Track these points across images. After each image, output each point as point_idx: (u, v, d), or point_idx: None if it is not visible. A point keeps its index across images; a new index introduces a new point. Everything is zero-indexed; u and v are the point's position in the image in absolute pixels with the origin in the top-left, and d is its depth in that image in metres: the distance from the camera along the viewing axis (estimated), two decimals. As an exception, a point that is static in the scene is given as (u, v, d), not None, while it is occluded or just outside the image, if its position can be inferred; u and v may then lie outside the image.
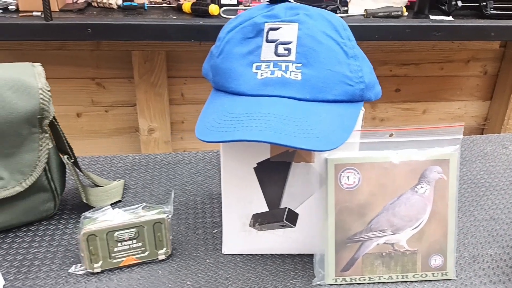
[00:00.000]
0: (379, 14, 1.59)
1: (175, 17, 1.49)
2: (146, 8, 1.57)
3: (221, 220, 0.68)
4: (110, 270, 0.58)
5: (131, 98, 1.80)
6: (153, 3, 1.65)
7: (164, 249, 0.60)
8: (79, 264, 0.58)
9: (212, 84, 0.58)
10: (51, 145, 0.64)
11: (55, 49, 1.69)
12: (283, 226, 0.60)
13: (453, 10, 1.65)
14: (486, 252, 0.63)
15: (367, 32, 1.52)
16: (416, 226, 0.56)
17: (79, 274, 0.58)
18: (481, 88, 2.08)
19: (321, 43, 0.52)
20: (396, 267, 0.57)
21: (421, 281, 0.58)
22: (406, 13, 1.64)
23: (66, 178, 0.70)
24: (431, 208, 0.56)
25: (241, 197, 0.59)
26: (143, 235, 0.58)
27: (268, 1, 0.56)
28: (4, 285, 0.56)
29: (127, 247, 0.58)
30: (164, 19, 1.46)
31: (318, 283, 0.57)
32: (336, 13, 1.57)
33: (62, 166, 0.67)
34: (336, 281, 0.57)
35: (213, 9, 1.46)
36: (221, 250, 0.62)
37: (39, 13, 1.41)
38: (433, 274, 0.58)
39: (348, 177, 0.55)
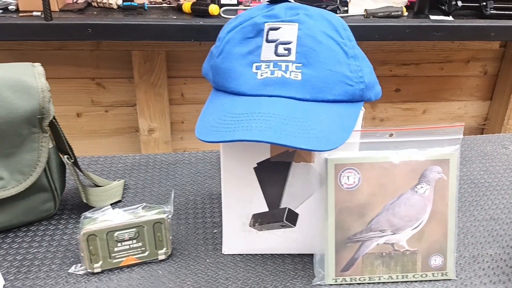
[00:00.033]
0: (379, 14, 1.59)
1: (175, 17, 1.49)
2: (146, 8, 1.57)
3: (221, 220, 0.68)
4: (110, 270, 0.58)
5: (131, 98, 1.80)
6: (153, 3, 1.65)
7: (164, 249, 0.60)
8: (79, 264, 0.58)
9: (212, 84, 0.58)
10: (51, 145, 0.64)
11: (55, 49, 1.69)
12: (283, 226, 0.60)
13: (453, 10, 1.65)
14: (486, 252, 0.63)
15: (367, 32, 1.52)
16: (416, 226, 0.56)
17: (79, 274, 0.58)
18: (481, 88, 2.08)
19: (321, 43, 0.52)
20: (396, 267, 0.57)
21: (421, 281, 0.58)
22: (406, 13, 1.64)
23: (66, 178, 0.70)
24: (431, 208, 0.56)
25: (241, 197, 0.59)
26: (143, 235, 0.58)
27: (268, 1, 0.56)
28: (4, 285, 0.56)
29: (127, 247, 0.58)
30: (164, 19, 1.46)
31: (318, 283, 0.57)
32: (336, 13, 1.57)
33: (62, 166, 0.67)
34: (336, 281, 0.57)
35: (213, 9, 1.46)
36: (221, 250, 0.62)
37: (39, 13, 1.41)
38: (433, 274, 0.58)
39: (348, 177, 0.55)
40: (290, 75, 0.52)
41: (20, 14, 1.42)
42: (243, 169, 0.57)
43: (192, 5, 1.49)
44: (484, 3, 1.66)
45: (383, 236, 0.56)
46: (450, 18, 1.63)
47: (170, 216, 0.59)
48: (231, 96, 0.54)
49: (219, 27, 0.58)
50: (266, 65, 0.53)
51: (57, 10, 1.49)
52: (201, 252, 0.62)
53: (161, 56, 1.70)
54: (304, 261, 0.61)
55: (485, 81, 2.07)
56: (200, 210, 0.71)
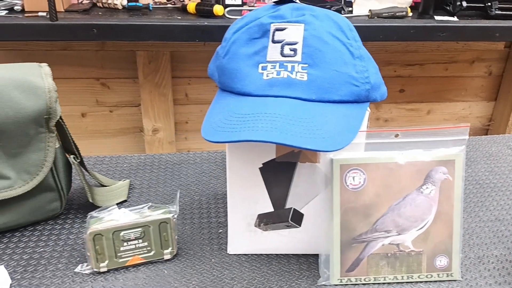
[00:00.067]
0: (384, 14, 1.59)
1: (179, 17, 1.50)
2: (151, 8, 1.57)
3: (226, 220, 0.68)
4: (116, 269, 0.59)
5: (135, 98, 1.81)
6: (157, 3, 1.65)
7: (170, 248, 0.60)
8: (85, 264, 0.59)
9: (218, 84, 0.58)
10: (57, 145, 0.64)
11: (60, 49, 1.69)
12: (288, 227, 0.60)
13: (458, 10, 1.65)
14: (491, 253, 0.63)
15: (372, 33, 1.52)
16: (421, 227, 0.57)
17: (85, 274, 0.58)
18: (485, 89, 2.07)
19: (327, 43, 0.52)
20: (401, 268, 0.57)
21: (426, 281, 0.58)
22: (410, 14, 1.64)
23: (72, 178, 0.71)
24: (437, 209, 0.56)
25: (247, 197, 0.59)
26: (149, 235, 0.58)
27: (274, 2, 0.56)
28: (11, 284, 0.56)
29: (133, 246, 0.58)
30: (168, 19, 1.47)
31: (323, 283, 0.57)
32: (341, 13, 1.57)
33: (68, 166, 0.68)
34: (341, 282, 0.57)
35: (218, 9, 1.46)
36: (226, 250, 0.63)
37: (44, 14, 1.42)
38: (438, 274, 0.58)
39: (353, 178, 0.55)
40: (296, 75, 0.52)
41: (26, 15, 1.43)
42: (249, 169, 0.57)
43: (196, 5, 1.50)
44: (489, 4, 1.66)
45: (388, 236, 0.56)
46: (455, 18, 1.62)
47: (175, 216, 0.59)
48: (237, 97, 0.54)
49: (224, 28, 0.58)
50: (272, 65, 0.53)
51: (62, 10, 1.50)
52: (207, 252, 0.62)
53: (166, 57, 1.71)
54: (309, 261, 0.61)
55: (489, 81, 2.06)
56: (205, 210, 0.71)
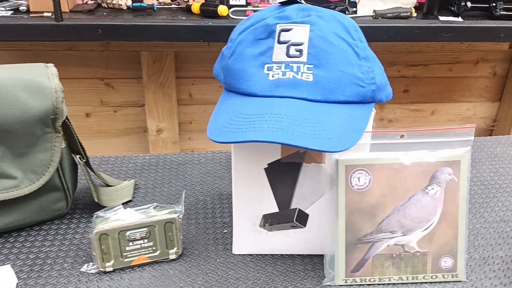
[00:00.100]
0: (388, 15, 1.59)
1: (184, 18, 1.50)
2: (155, 9, 1.58)
3: (231, 220, 0.69)
4: (122, 269, 0.59)
5: (139, 98, 1.81)
6: (162, 4, 1.66)
7: (175, 248, 0.60)
8: (91, 263, 0.59)
9: (224, 85, 0.58)
10: (63, 145, 0.65)
11: (65, 49, 1.70)
12: (293, 227, 0.60)
13: (462, 11, 1.65)
14: (496, 254, 0.63)
15: (376, 33, 1.51)
16: (426, 228, 0.57)
17: (91, 273, 0.58)
18: (490, 89, 2.07)
19: (332, 44, 0.52)
20: (406, 269, 0.57)
21: (431, 282, 0.58)
22: (415, 14, 1.64)
23: (78, 178, 0.71)
24: (442, 210, 0.56)
25: (252, 198, 0.59)
26: (154, 235, 0.58)
27: (280, 3, 0.57)
28: (17, 284, 0.56)
29: (139, 246, 0.58)
30: (173, 20, 1.47)
31: (328, 283, 0.57)
32: (345, 14, 1.57)
33: (74, 166, 0.68)
34: (346, 282, 0.57)
35: (222, 10, 1.46)
36: (231, 250, 0.63)
37: (49, 14, 1.42)
38: (443, 275, 0.58)
39: (358, 178, 0.55)
40: (301, 76, 0.52)
41: (31, 15, 1.44)
42: (254, 169, 0.57)
43: (201, 6, 1.50)
44: (494, 4, 1.65)
45: (393, 237, 0.56)
46: (459, 19, 1.62)
47: (181, 216, 0.59)
48: (242, 97, 0.54)
49: (228, 28, 0.59)
50: (277, 66, 0.53)
51: (67, 11, 1.50)
52: (212, 252, 0.63)
53: (170, 57, 1.71)
54: (314, 262, 0.61)
55: (494, 82, 2.06)
56: (210, 210, 0.71)
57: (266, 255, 0.62)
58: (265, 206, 0.59)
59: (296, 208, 0.59)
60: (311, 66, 0.52)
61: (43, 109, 0.60)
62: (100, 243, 0.56)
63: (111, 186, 0.73)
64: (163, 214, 0.58)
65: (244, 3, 1.57)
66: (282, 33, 0.53)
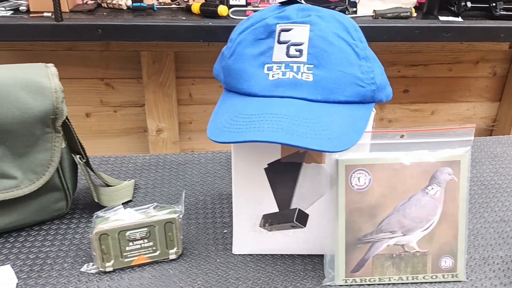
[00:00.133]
0: (388, 15, 1.59)
1: (184, 18, 1.50)
2: (155, 9, 1.58)
3: (231, 220, 0.69)
4: (122, 269, 0.59)
5: (139, 98, 1.81)
6: (162, 4, 1.66)
7: (175, 248, 0.60)
8: (91, 263, 0.59)
9: (224, 85, 0.58)
10: (63, 145, 0.65)
11: (65, 49, 1.70)
12: (293, 227, 0.60)
13: (462, 11, 1.65)
14: (496, 254, 0.63)
15: (376, 33, 1.51)
16: (426, 228, 0.57)
17: (91, 273, 0.58)
18: (490, 89, 2.07)
19: (332, 44, 0.52)
20: (406, 269, 0.57)
21: (431, 282, 0.58)
22: (415, 14, 1.64)
23: (78, 178, 0.71)
24: (442, 210, 0.56)
25: (252, 198, 0.59)
26: (154, 235, 0.58)
27: (280, 3, 0.57)
28: (17, 284, 0.56)
29: (139, 246, 0.58)
30: (173, 20, 1.47)
31: (328, 283, 0.57)
32: (345, 14, 1.57)
33: (74, 166, 0.68)
34: (346, 282, 0.57)
35: (222, 10, 1.46)
36: (231, 250, 0.63)
37: (49, 14, 1.42)
38: (443, 275, 0.58)
39: (358, 178, 0.55)
40: (301, 76, 0.52)
41: (31, 15, 1.44)
42: (254, 169, 0.57)
43: (201, 6, 1.50)
44: (494, 4, 1.65)
45: (393, 237, 0.56)
46: (459, 19, 1.62)
47: (181, 216, 0.59)
48: (242, 97, 0.54)
49: (228, 28, 0.59)
50: (277, 66, 0.53)
51: (67, 11, 1.50)
52: (212, 252, 0.63)
53: (170, 57, 1.71)
54: (314, 262, 0.61)
55: (494, 82, 2.06)
56: (210, 210, 0.71)
57: (266, 255, 0.62)
58: (265, 206, 0.59)
59: (296, 208, 0.59)
60: (311, 66, 0.52)
61: (43, 109, 0.60)
62: (100, 243, 0.56)
63: (111, 186, 0.73)
64: (163, 214, 0.58)
65: (244, 3, 1.57)
66: (282, 33, 0.53)
